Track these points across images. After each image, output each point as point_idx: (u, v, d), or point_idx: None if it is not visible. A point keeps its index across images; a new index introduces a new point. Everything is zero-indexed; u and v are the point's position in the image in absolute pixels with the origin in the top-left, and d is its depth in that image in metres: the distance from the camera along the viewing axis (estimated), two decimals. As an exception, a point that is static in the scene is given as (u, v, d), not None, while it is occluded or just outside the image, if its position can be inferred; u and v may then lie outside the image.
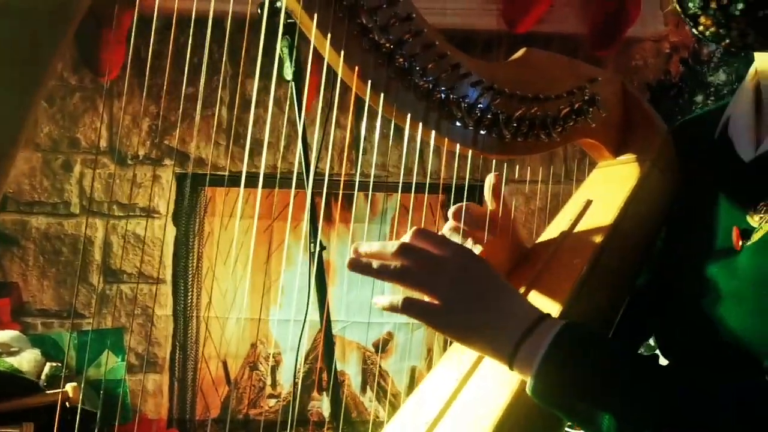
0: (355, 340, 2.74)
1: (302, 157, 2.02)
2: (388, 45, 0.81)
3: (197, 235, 2.70)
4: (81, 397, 1.93)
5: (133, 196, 2.65)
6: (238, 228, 2.64)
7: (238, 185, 2.70)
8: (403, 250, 0.74)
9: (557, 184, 2.76)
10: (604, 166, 0.98)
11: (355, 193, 2.62)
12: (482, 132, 0.88)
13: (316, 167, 2.04)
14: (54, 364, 2.36)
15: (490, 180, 0.94)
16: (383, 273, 0.74)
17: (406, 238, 0.77)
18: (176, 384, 2.69)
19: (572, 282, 0.84)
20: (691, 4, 0.80)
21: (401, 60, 0.82)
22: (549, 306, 0.83)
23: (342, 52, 0.80)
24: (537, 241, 0.96)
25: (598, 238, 0.87)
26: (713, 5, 0.78)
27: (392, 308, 0.74)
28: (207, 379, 2.70)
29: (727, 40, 0.80)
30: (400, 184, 2.11)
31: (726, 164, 0.84)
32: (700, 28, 0.81)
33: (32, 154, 2.65)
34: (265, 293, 2.72)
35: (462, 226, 0.91)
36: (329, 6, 0.80)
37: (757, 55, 0.84)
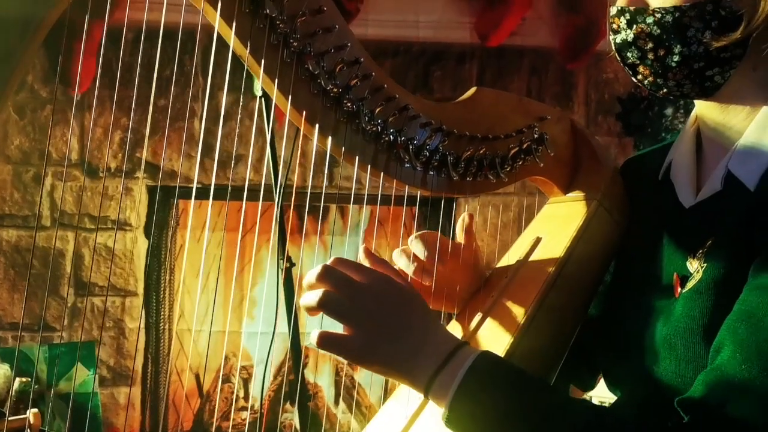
0: (328, 353, 2.75)
1: (272, 171, 2.03)
2: (335, 90, 0.82)
3: (169, 247, 2.69)
4: (48, 417, 1.91)
5: (104, 209, 2.64)
6: (210, 240, 2.63)
7: (210, 198, 2.69)
8: (325, 273, 0.73)
9: (530, 195, 2.79)
10: (554, 201, 1.00)
11: (322, 205, 2.62)
12: (431, 173, 0.89)
13: (287, 180, 2.04)
14: (23, 379, 2.35)
15: (463, 219, 0.95)
16: (309, 306, 0.73)
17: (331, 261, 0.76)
18: (148, 397, 2.68)
19: (520, 319, 0.86)
20: (629, 54, 0.82)
21: (349, 104, 0.83)
22: (498, 341, 0.84)
23: (289, 97, 0.81)
24: (490, 274, 0.97)
25: (545, 277, 0.88)
26: (650, 56, 0.80)
27: (320, 343, 0.74)
28: (179, 391, 2.69)
29: (665, 90, 0.81)
30: (366, 197, 2.12)
31: (668, 207, 0.86)
32: (639, 77, 0.83)
33: (3, 167, 2.63)
34: (237, 306, 2.71)
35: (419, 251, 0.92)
36: (276, 51, 0.80)
37: (697, 101, 0.86)
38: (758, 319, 0.67)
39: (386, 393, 2.75)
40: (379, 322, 0.72)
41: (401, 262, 0.93)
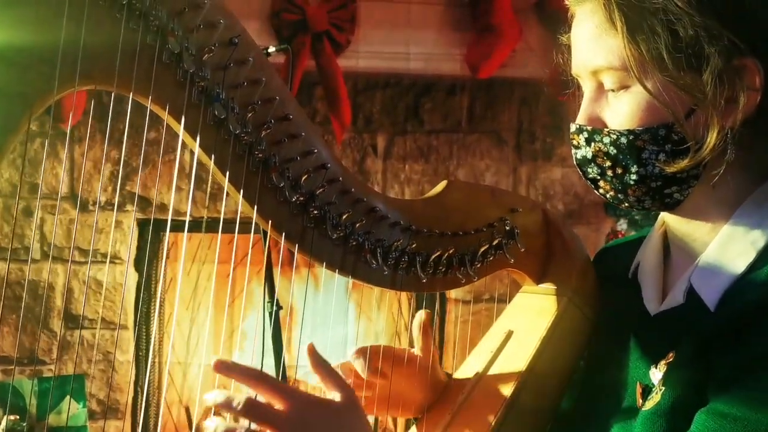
0: (319, 385, 2.75)
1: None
2: (301, 198, 0.82)
3: (159, 280, 2.69)
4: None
5: (94, 242, 2.64)
6: (201, 273, 2.63)
7: (201, 230, 2.69)
8: (248, 409, 0.71)
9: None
10: (526, 291, 0.99)
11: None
12: (400, 272, 0.89)
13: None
14: (12, 417, 2.35)
15: (420, 318, 0.94)
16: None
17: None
18: (138, 430, 2.68)
19: (488, 423, 0.85)
20: (589, 170, 0.82)
21: (315, 211, 0.83)
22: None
23: (255, 207, 0.81)
24: (458, 371, 0.97)
25: (514, 379, 0.88)
26: (609, 173, 0.80)
27: None
28: (169, 424, 2.69)
29: (626, 204, 0.82)
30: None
31: (635, 310, 0.86)
32: (601, 191, 0.83)
33: (-7, 200, 2.63)
34: (228, 338, 2.71)
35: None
36: (242, 161, 0.80)
37: (663, 210, 0.86)
38: None
39: (376, 426, 2.75)
40: None
41: (359, 364, 0.92)
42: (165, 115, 0.78)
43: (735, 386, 0.70)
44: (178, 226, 2.61)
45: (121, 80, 0.74)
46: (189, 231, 2.64)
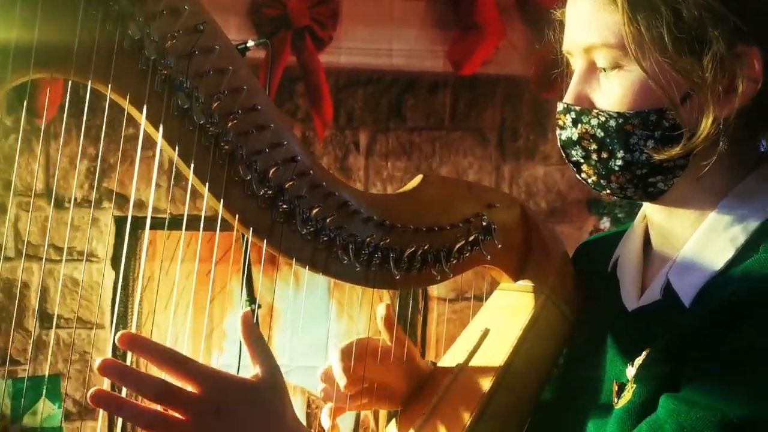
0: (300, 385, 2.72)
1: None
2: (269, 192, 0.79)
3: (137, 279, 2.65)
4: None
5: (70, 240, 2.59)
6: (179, 271, 2.59)
7: (179, 228, 2.65)
8: (155, 390, 0.66)
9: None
10: (504, 289, 0.97)
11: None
12: (373, 269, 0.86)
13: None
14: (-16, 419, 2.30)
15: (381, 312, 0.92)
16: (137, 421, 0.67)
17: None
18: (116, 431, 2.63)
19: (464, 423, 0.83)
20: (573, 152, 0.79)
21: (285, 205, 0.80)
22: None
23: (221, 200, 0.78)
24: (437, 366, 0.95)
25: (490, 378, 0.86)
26: (594, 157, 0.77)
27: None
28: (147, 425, 2.65)
29: (608, 191, 0.79)
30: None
31: (613, 306, 0.84)
32: (583, 175, 0.80)
33: (-34, 197, 2.57)
34: (207, 338, 2.67)
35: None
36: (207, 153, 0.77)
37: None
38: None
39: (357, 425, 2.72)
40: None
41: (336, 371, 0.90)
42: (126, 105, 0.74)
43: (703, 376, 0.68)
44: (156, 224, 2.57)
45: (79, 68, 0.71)
46: (167, 229, 2.59)
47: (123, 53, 0.72)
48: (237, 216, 0.79)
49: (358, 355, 0.89)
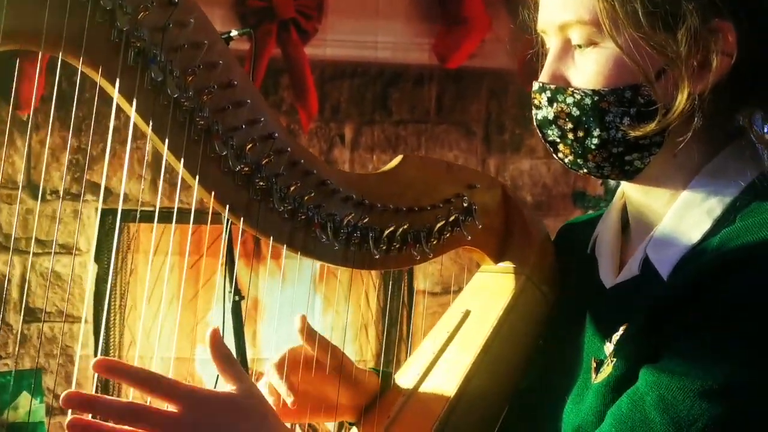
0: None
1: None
2: (246, 169, 0.78)
3: (120, 272, 2.63)
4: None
5: (52, 233, 2.56)
6: (163, 265, 2.57)
7: (163, 221, 2.63)
8: (132, 415, 0.67)
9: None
10: (485, 271, 0.96)
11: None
12: (352, 249, 0.85)
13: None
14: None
15: (297, 324, 0.90)
16: None
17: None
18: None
19: (439, 410, 0.82)
20: (549, 132, 0.79)
21: (261, 182, 0.79)
22: (418, 428, 0.81)
23: (197, 177, 0.77)
24: (415, 352, 0.94)
25: (469, 360, 0.85)
26: (570, 136, 0.77)
27: None
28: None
29: (585, 170, 0.79)
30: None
31: (592, 285, 0.83)
32: (560, 155, 0.80)
33: (-54, 189, 2.54)
34: (191, 331, 2.65)
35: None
36: (183, 129, 0.76)
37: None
38: (668, 402, 0.66)
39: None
40: None
41: (273, 380, 0.89)
42: (98, 78, 0.73)
43: (682, 345, 0.68)
44: (140, 217, 2.55)
45: (50, 40, 0.69)
46: (151, 222, 2.57)
47: (95, 25, 0.71)
48: (213, 193, 0.77)
49: (291, 366, 0.87)
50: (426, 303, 2.72)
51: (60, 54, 0.70)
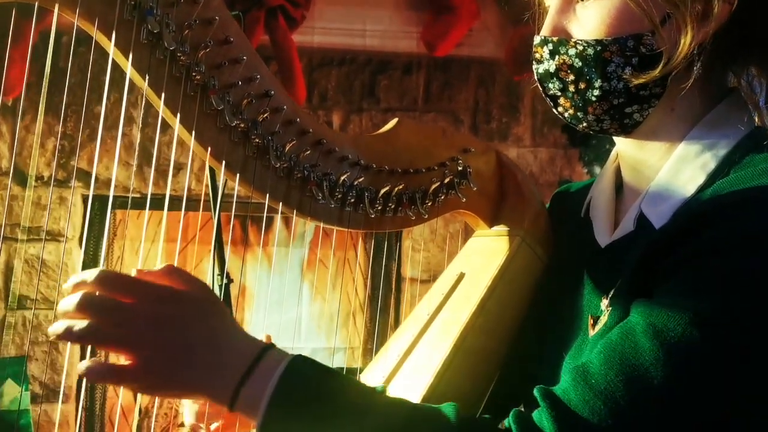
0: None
1: (209, 180, 1.97)
2: (242, 125, 0.78)
3: (106, 259, 2.60)
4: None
5: (37, 219, 2.54)
6: (149, 252, 2.55)
7: (150, 207, 2.61)
8: (84, 304, 0.64)
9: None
10: (479, 235, 0.97)
11: (265, 215, 2.57)
12: (348, 209, 0.85)
13: (226, 189, 1.98)
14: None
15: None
16: (69, 337, 0.65)
17: (89, 278, 0.65)
18: (84, 413, 2.59)
19: (436, 365, 0.82)
20: (551, 85, 0.79)
21: (258, 139, 0.79)
22: (412, 388, 0.81)
23: (193, 133, 0.76)
24: (411, 314, 0.94)
25: (464, 318, 0.85)
26: (571, 88, 0.78)
27: (93, 376, 0.67)
28: (116, 407, 2.61)
29: (584, 124, 0.79)
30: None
31: (588, 246, 0.84)
32: (560, 109, 0.80)
33: (-72, 175, 2.51)
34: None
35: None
36: (179, 84, 0.76)
37: (617, 138, 0.84)
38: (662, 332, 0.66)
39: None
40: (160, 345, 0.65)
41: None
42: (94, 32, 0.72)
43: (674, 280, 0.68)
44: (124, 203, 2.53)
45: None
46: (137, 208, 2.56)
47: (91, -23, 0.70)
48: (209, 149, 0.77)
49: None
50: (413, 291, 2.72)
51: (56, 6, 0.70)
